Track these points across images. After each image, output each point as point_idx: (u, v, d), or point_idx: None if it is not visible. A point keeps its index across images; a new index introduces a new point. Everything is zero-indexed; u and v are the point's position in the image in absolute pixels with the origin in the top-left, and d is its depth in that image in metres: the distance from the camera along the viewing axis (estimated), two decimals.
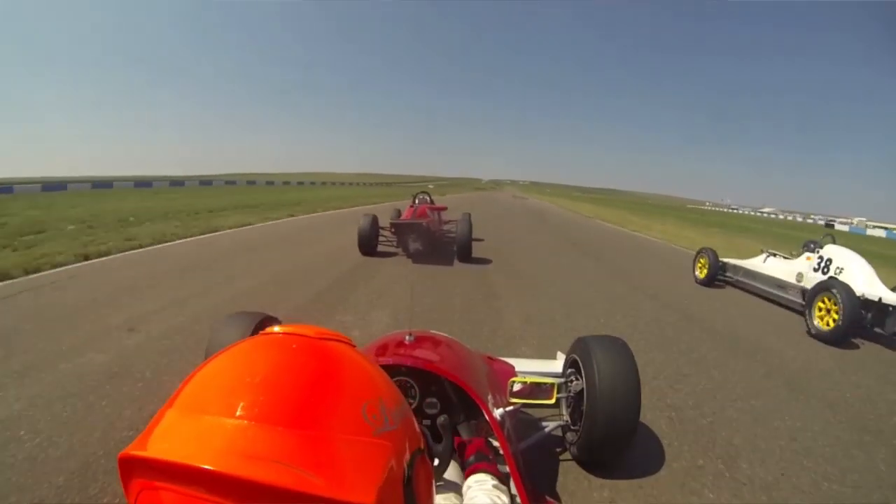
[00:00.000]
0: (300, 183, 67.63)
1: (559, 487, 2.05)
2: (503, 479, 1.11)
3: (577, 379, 2.07)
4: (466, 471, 1.12)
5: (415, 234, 7.33)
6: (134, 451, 0.39)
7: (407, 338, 1.60)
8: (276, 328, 0.52)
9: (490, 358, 2.33)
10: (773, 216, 78.75)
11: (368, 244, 7.41)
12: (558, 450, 2.27)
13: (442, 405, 1.45)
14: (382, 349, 1.58)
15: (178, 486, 0.37)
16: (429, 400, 1.45)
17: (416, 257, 7.41)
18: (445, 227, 9.26)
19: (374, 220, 7.62)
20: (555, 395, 1.82)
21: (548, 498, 1.43)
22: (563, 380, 2.17)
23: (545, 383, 1.83)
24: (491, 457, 1.21)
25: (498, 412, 1.43)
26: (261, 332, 0.53)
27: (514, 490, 1.22)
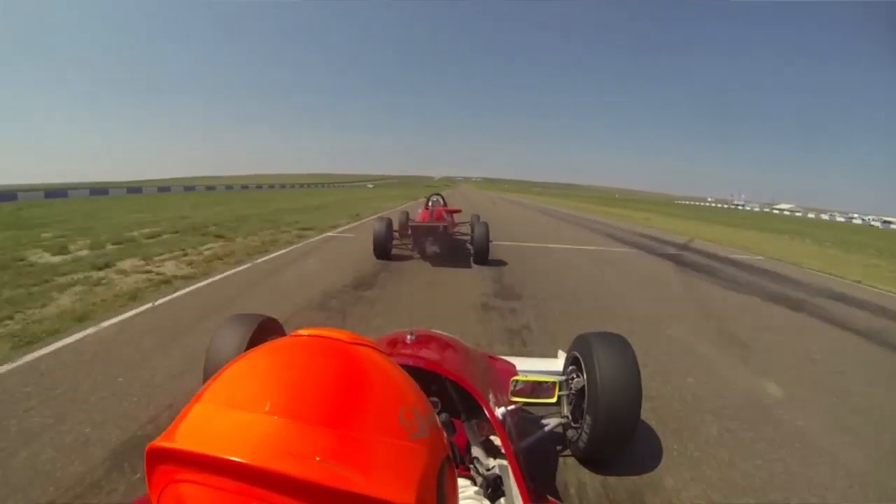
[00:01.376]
0: (244, 187, 56.04)
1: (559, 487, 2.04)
2: (480, 483, 1.09)
3: (578, 376, 2.09)
4: None
5: (432, 238, 7.37)
6: (164, 442, 0.38)
7: (408, 337, 1.62)
8: (309, 331, 0.51)
9: (491, 357, 2.33)
10: (791, 213, 76.00)
11: (384, 248, 7.33)
12: (559, 447, 2.28)
13: (443, 404, 1.40)
14: (383, 348, 1.49)
15: (209, 480, 0.36)
16: (430, 399, 1.38)
17: (434, 260, 7.37)
18: (457, 230, 9.26)
19: (389, 223, 7.59)
20: (556, 393, 1.83)
21: (549, 497, 1.40)
22: (564, 377, 2.19)
23: (546, 382, 1.83)
24: (469, 458, 1.18)
25: (499, 411, 1.42)
26: (291, 334, 0.52)
27: (514, 491, 1.21)
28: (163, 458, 0.39)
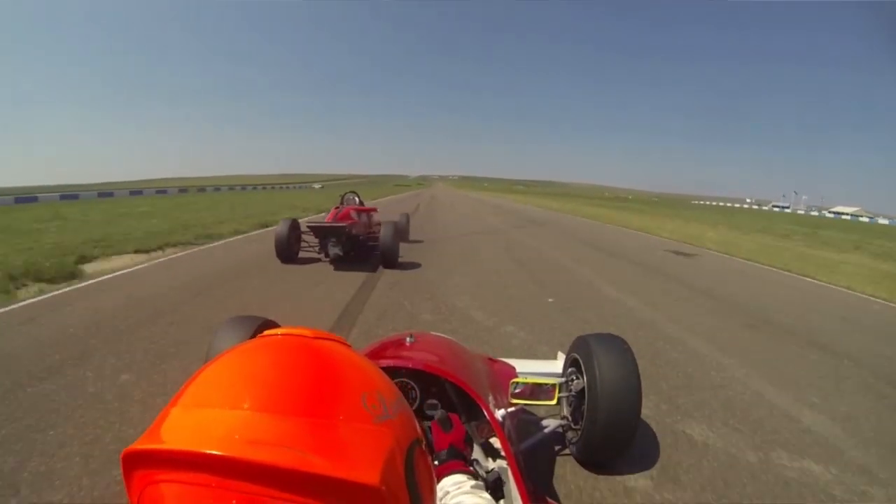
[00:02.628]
0: (216, 188, 51.09)
1: (558, 487, 2.06)
2: (479, 478, 1.09)
3: (578, 378, 2.09)
4: (438, 468, 1.07)
5: (335, 239, 6.65)
6: (140, 445, 0.40)
7: (408, 339, 1.63)
8: (274, 331, 0.53)
9: (491, 359, 2.33)
10: (854, 217, 65.14)
11: (288, 250, 6.73)
12: (558, 448, 2.28)
13: (443, 406, 1.43)
14: (383, 351, 1.61)
15: (183, 476, 0.37)
16: (430, 401, 1.46)
17: (339, 264, 6.70)
18: (377, 231, 8.34)
19: (294, 223, 7.03)
20: (556, 395, 1.83)
21: (548, 499, 1.40)
22: (563, 379, 2.20)
23: (546, 384, 1.83)
24: (466, 453, 1.19)
25: (499, 413, 1.42)
26: (259, 335, 0.54)
27: (514, 493, 1.21)
28: (140, 462, 0.40)
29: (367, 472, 0.39)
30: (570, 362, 2.22)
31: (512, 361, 2.39)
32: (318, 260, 7.00)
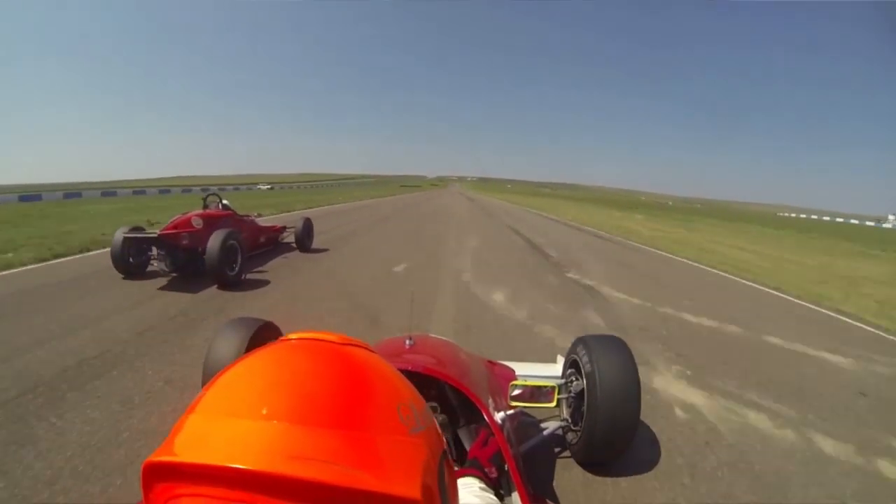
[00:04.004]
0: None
1: (558, 488, 2.05)
2: (488, 482, 1.09)
3: (577, 379, 2.09)
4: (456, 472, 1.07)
5: (162, 251, 5.57)
6: (161, 457, 0.37)
7: (407, 342, 1.61)
8: (298, 334, 0.51)
9: (490, 362, 2.33)
10: None
11: (127, 264, 5.49)
12: (558, 450, 2.28)
13: (442, 409, 1.43)
14: (382, 353, 1.51)
15: (212, 491, 0.35)
16: (430, 404, 1.41)
17: (175, 280, 5.52)
18: (270, 240, 7.82)
19: (136, 228, 5.75)
20: (556, 398, 1.83)
21: (548, 501, 1.42)
22: (563, 381, 2.20)
23: (546, 386, 1.84)
24: (479, 461, 1.19)
25: (499, 416, 1.42)
26: (279, 339, 0.51)
27: (514, 495, 1.21)
28: (161, 474, 0.38)
29: (408, 487, 0.38)
30: (570, 364, 2.22)
31: (511, 364, 2.39)
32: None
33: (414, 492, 0.38)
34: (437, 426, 0.51)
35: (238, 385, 0.43)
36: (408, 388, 0.49)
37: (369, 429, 0.40)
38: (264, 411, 0.38)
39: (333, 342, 0.49)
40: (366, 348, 0.52)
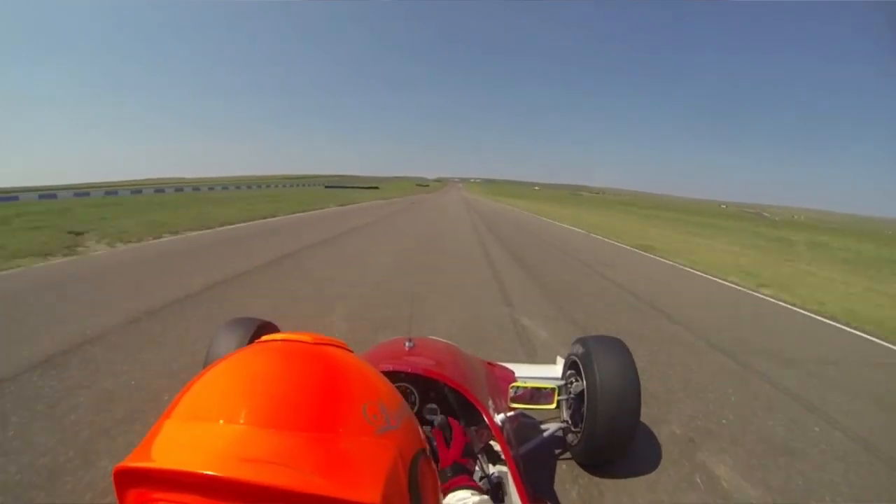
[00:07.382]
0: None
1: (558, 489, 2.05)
2: (485, 492, 1.07)
3: (577, 380, 2.07)
4: (443, 485, 1.04)
5: None
6: (131, 462, 0.37)
7: (406, 344, 1.61)
8: (273, 336, 0.52)
9: (490, 364, 2.33)
10: None
11: None
12: (558, 451, 2.27)
13: (442, 411, 1.43)
14: (382, 355, 1.59)
15: (178, 496, 0.36)
16: (429, 406, 1.45)
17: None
18: None
19: None
20: (555, 399, 1.83)
21: (548, 502, 1.40)
22: (563, 382, 2.19)
23: (546, 388, 1.83)
24: (470, 467, 1.17)
25: (499, 417, 1.43)
26: (257, 340, 0.53)
27: (514, 496, 1.22)
28: (134, 480, 0.38)
29: (368, 491, 0.37)
30: (570, 365, 2.21)
31: (511, 366, 2.38)
32: None
33: (373, 496, 0.37)
34: (416, 425, 0.51)
35: (210, 389, 0.44)
36: (379, 387, 0.49)
37: (332, 430, 0.40)
38: (234, 416, 0.38)
39: (306, 342, 0.50)
40: (340, 347, 0.52)
